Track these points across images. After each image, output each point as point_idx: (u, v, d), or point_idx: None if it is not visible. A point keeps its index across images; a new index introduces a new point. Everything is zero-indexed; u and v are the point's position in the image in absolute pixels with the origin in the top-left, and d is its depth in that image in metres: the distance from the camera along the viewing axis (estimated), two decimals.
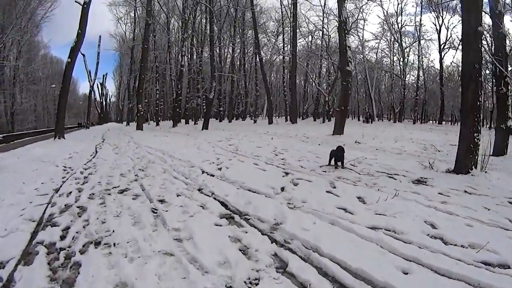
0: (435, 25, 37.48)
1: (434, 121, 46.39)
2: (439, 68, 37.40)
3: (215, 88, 25.02)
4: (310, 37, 39.69)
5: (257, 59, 33.26)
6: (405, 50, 38.21)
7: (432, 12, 37.11)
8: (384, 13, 36.32)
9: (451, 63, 43.01)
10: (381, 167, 8.88)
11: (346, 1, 18.27)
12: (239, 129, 22.56)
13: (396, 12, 38.54)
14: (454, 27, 37.38)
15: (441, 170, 8.38)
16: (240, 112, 41.95)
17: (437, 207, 5.25)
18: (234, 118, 41.72)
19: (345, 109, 18.50)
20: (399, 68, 38.91)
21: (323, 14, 36.12)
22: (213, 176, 7.93)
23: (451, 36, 35.17)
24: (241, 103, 43.78)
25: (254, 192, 6.32)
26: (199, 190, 6.68)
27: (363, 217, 4.87)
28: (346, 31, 17.54)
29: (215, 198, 6.08)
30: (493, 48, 11.56)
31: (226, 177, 7.63)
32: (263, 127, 24.57)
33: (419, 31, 36.75)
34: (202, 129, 23.58)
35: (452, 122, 44.71)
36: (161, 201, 5.95)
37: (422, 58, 38.18)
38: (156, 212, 5.32)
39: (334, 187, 6.69)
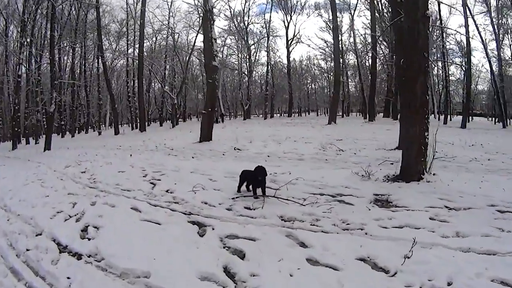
0: (284, 22, 40.89)
1: (282, 114, 50.37)
2: (286, 63, 41.05)
3: (56, 99, 21.08)
4: (154, 38, 39.31)
5: (100, 63, 32.29)
6: (253, 47, 40.68)
7: (281, 10, 40.46)
8: (230, 11, 37.71)
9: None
10: (311, 185, 7.07)
11: None
12: (87, 145, 19.67)
13: (243, 9, 40.47)
14: (302, 23, 40.21)
15: (381, 178, 7.42)
16: (82, 124, 39.92)
17: (461, 248, 4.05)
18: (77, 131, 37.33)
19: (213, 110, 16.76)
20: (245, 65, 41.17)
21: (169, 13, 36.12)
22: (80, 257, 4.37)
23: (298, 31, 38.42)
24: (82, 114, 39.36)
25: None
26: None
27: None
28: (212, 21, 16.34)
29: None
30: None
31: (104, 255, 4.25)
32: (111, 140, 22.09)
33: (268, 28, 40.03)
34: (45, 150, 19.07)
35: (299, 113, 49.48)
36: None
37: (270, 54, 40.86)
38: None
39: (305, 246, 4.29)
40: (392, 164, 9.14)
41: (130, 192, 7.19)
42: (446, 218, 5.02)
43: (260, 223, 4.91)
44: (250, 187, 6.63)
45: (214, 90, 16.64)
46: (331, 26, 26.34)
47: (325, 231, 4.60)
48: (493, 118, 40.56)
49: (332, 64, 45.63)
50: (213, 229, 4.73)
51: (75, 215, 5.87)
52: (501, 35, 27.38)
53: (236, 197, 6.26)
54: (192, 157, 11.80)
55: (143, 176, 8.81)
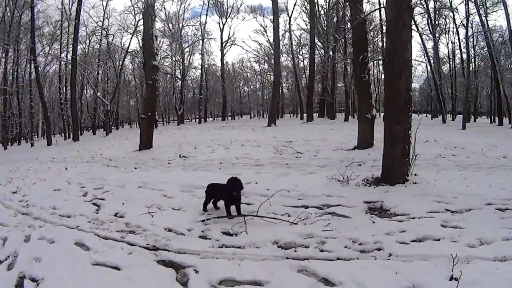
0: (219, 24, 40.89)
1: (215, 118, 49.83)
2: (220, 66, 41.70)
3: None
4: (88, 40, 37.47)
5: (32, 68, 30.72)
6: (186, 50, 40.26)
7: (217, 12, 40.64)
8: (165, 12, 36.64)
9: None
10: (287, 196, 6.30)
11: None
12: (19, 158, 17.54)
13: (178, 12, 39.93)
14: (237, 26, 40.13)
15: (360, 182, 6.95)
16: (15, 136, 38.16)
17: (497, 257, 3.66)
18: (9, 144, 34.93)
19: (153, 115, 15.25)
20: (179, 69, 40.20)
21: (103, 14, 35.09)
22: None
23: (233, 33, 38.64)
24: (14, 125, 36.72)
25: None
26: None
27: None
28: (153, 17, 15.39)
29: None
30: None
31: None
32: (44, 152, 20.06)
33: (203, 30, 39.73)
34: None
35: (233, 117, 49.50)
36: None
37: (204, 57, 41.42)
38: None
39: (332, 284, 3.38)
40: (360, 165, 8.90)
41: (71, 219, 5.67)
42: (456, 224, 4.65)
43: (256, 256, 3.83)
44: (218, 203, 5.67)
45: (154, 93, 15.36)
46: (273, 26, 26.10)
47: (342, 257, 3.73)
48: (427, 114, 43.93)
49: (266, 66, 46.81)
50: (196, 271, 3.52)
51: (6, 259, 4.24)
52: (437, 34, 29.72)
53: (207, 219, 5.12)
54: (135, 168, 10.52)
55: (83, 195, 7.34)
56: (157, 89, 15.90)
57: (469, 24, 25.88)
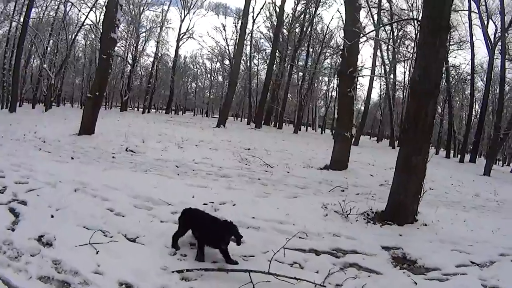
0: (180, 14, 38.20)
1: (158, 110, 47.16)
2: (173, 57, 39.25)
3: None
4: (45, 6, 32.23)
5: None
6: (142, 35, 37.08)
7: (181, 1, 38.04)
8: None
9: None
10: (283, 231, 4.79)
11: None
12: None
13: None
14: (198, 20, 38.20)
15: (362, 216, 5.73)
16: None
17: None
18: None
19: (101, 96, 12.92)
20: (130, 54, 36.87)
21: None
22: None
23: (193, 26, 36.27)
24: None
25: None
26: None
27: None
28: None
29: None
30: None
31: None
32: None
33: (164, 17, 36.69)
34: None
35: (176, 111, 47.26)
36: None
37: (159, 45, 38.11)
38: None
39: None
40: (343, 191, 7.81)
41: None
42: (495, 284, 3.91)
43: None
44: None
45: (107, 70, 12.88)
46: (240, 23, 24.45)
47: None
48: (370, 137, 44.97)
49: (218, 65, 45.35)
50: None
51: None
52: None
53: (187, 270, 3.34)
54: (72, 158, 8.39)
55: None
56: (111, 66, 13.50)
57: None
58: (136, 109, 47.30)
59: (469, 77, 26.54)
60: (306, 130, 39.88)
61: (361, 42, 9.79)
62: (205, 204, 5.45)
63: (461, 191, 9.73)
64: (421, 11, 6.28)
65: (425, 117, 5.43)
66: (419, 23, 6.32)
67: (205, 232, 3.70)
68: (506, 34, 20.51)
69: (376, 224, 5.44)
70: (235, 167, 9.16)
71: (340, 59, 10.59)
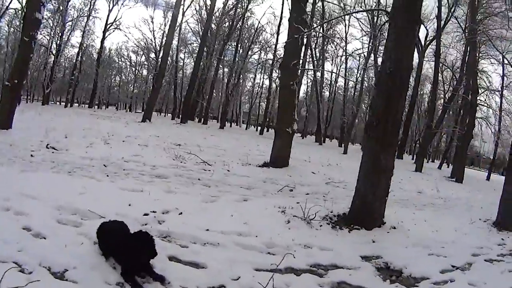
0: (109, 4, 34.79)
1: (80, 105, 42.81)
2: (99, 48, 35.87)
3: None
4: None
5: None
6: (68, 24, 32.79)
7: None
8: None
9: None
10: (246, 245, 3.98)
11: None
12: None
13: None
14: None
15: (325, 221, 5.14)
16: None
17: None
18: None
19: (20, 84, 10.50)
20: (54, 44, 32.26)
21: None
22: None
23: (121, 17, 33.00)
24: None
25: None
26: None
27: None
28: None
29: None
30: None
31: None
32: None
33: (92, 6, 32.99)
34: None
35: (99, 105, 43.40)
36: None
37: (85, 35, 34.36)
38: None
39: None
40: (291, 190, 7.25)
41: None
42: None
43: None
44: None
45: (28, 55, 10.56)
46: (172, 13, 22.40)
47: None
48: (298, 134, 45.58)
49: (143, 59, 42.51)
50: None
51: None
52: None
53: None
54: None
55: None
56: (33, 51, 11.09)
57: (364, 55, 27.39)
58: (58, 103, 42.01)
59: None
60: (231, 126, 39.22)
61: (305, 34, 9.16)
62: (145, 214, 4.33)
63: (404, 188, 9.79)
64: (391, 2, 5.76)
65: (395, 113, 4.99)
66: (388, 14, 5.88)
67: (119, 246, 2.95)
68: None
69: (343, 229, 4.85)
70: (170, 165, 7.94)
71: (283, 52, 9.92)
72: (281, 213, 5.10)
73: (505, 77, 21.22)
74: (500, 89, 21.03)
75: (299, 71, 9.25)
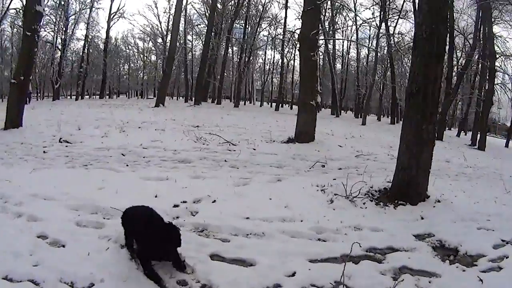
0: None
1: (91, 96, 42.96)
2: (104, 38, 34.80)
3: None
4: None
5: None
6: (72, 18, 31.91)
7: None
8: None
9: None
10: (292, 231, 3.63)
11: None
12: None
13: None
14: None
15: (367, 197, 4.68)
16: None
17: None
18: None
19: (26, 80, 10.12)
20: (60, 38, 31.51)
21: None
22: None
23: (124, 5, 32.56)
24: None
25: None
26: None
27: None
28: None
29: None
30: None
31: None
32: None
33: None
34: None
35: (110, 95, 43.40)
36: None
37: (89, 27, 33.31)
38: None
39: None
40: (323, 166, 6.78)
41: None
42: None
43: None
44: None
45: (32, 49, 9.83)
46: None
47: None
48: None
49: (150, 44, 41.99)
50: None
51: None
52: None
53: None
54: None
55: None
56: (37, 45, 10.42)
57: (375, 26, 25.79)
58: (69, 97, 41.99)
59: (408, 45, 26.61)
60: (245, 104, 38.54)
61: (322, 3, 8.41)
62: (175, 206, 3.98)
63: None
64: None
65: (435, 80, 4.49)
66: None
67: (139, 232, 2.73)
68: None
69: (389, 206, 4.44)
70: (193, 148, 7.54)
71: (301, 23, 9.14)
72: (321, 192, 4.72)
73: None
74: None
75: (319, 41, 8.53)
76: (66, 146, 7.14)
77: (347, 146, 9.23)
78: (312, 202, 4.28)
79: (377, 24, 23.51)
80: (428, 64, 4.44)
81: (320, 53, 33.57)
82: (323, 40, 26.39)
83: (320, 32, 8.60)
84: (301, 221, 3.72)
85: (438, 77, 4.62)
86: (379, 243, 3.37)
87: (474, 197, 5.33)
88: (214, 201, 4.18)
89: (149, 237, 2.55)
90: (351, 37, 32.40)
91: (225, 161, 6.65)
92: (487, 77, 17.68)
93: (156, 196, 4.14)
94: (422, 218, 4.15)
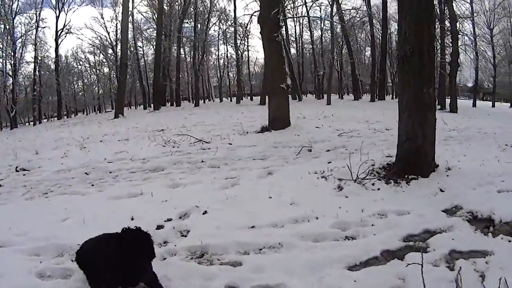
0: (55, 10, 31.35)
1: (49, 119, 39.76)
2: (54, 57, 32.48)
3: None
4: None
5: None
6: (19, 41, 30.02)
7: None
8: None
9: None
10: (297, 243, 2.97)
11: None
12: None
13: None
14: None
15: (372, 177, 4.12)
16: None
17: None
18: None
19: None
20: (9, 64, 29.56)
21: None
22: None
23: (70, 21, 30.09)
24: None
25: None
26: None
27: None
28: None
29: None
30: None
31: None
32: None
33: (38, 17, 29.65)
34: None
35: (68, 115, 40.43)
36: None
37: (38, 47, 31.06)
38: None
39: None
40: (310, 151, 6.23)
41: None
42: None
43: None
44: None
45: None
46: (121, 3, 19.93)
47: None
48: None
49: (101, 57, 39.89)
50: None
51: None
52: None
53: None
54: None
55: None
56: None
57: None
58: (27, 123, 39.03)
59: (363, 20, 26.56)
60: (204, 102, 37.42)
61: None
62: (159, 227, 3.13)
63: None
64: None
65: (429, 39, 4.00)
66: None
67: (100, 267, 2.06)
68: None
69: (400, 182, 3.89)
70: (162, 153, 6.69)
71: (259, 5, 8.44)
72: (322, 179, 4.04)
73: (473, 3, 20.98)
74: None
75: (281, 22, 7.85)
76: (24, 175, 6.00)
77: (324, 126, 8.78)
78: (318, 192, 3.65)
79: (329, 2, 23.46)
80: (420, 22, 3.91)
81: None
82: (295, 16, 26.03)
83: (280, 11, 7.86)
84: (317, 218, 3.07)
85: (432, 34, 4.14)
86: (414, 229, 2.80)
87: (476, 160, 4.95)
88: (205, 212, 3.41)
89: (106, 258, 1.91)
90: (303, 20, 32.29)
91: (202, 161, 5.89)
92: (450, 41, 17.88)
93: (132, 219, 3.29)
94: (442, 191, 3.64)
